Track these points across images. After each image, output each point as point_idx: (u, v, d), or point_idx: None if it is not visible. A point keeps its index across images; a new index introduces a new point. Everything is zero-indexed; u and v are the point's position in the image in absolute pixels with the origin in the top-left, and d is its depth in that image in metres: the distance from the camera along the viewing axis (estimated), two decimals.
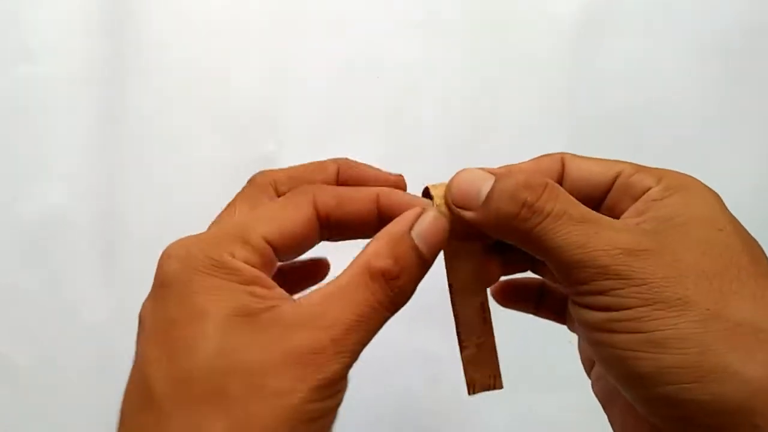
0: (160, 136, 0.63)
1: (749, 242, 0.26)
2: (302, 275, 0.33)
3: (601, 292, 0.24)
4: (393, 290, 0.25)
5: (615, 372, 0.24)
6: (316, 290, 0.25)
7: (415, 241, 0.26)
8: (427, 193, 0.29)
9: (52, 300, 0.62)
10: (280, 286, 0.26)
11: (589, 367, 0.34)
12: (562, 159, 0.30)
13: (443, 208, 0.28)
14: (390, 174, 0.31)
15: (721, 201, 0.27)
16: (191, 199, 0.63)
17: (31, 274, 0.62)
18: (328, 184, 0.29)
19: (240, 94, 0.63)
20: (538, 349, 0.58)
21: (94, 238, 0.62)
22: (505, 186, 0.26)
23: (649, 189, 0.27)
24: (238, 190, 0.35)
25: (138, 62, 0.63)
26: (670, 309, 0.23)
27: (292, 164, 0.63)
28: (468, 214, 0.27)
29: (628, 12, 0.63)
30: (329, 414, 0.24)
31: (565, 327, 0.35)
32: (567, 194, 0.26)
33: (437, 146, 0.63)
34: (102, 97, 0.63)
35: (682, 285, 0.23)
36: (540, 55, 0.63)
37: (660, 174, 0.28)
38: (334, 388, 0.23)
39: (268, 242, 0.26)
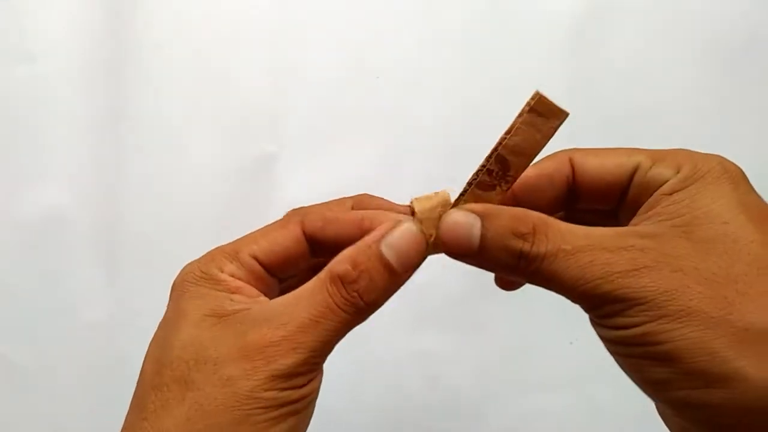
0: (160, 136, 0.63)
1: (764, 226, 0.25)
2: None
3: (612, 315, 0.25)
4: (350, 293, 0.26)
5: (636, 378, 0.26)
6: (288, 293, 0.27)
7: (383, 250, 0.27)
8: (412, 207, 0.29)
9: (52, 300, 0.62)
10: None
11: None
12: (570, 159, 0.29)
13: (425, 225, 0.28)
14: (400, 206, 0.32)
15: (739, 183, 0.26)
16: (191, 199, 0.63)
17: (31, 274, 0.62)
18: (354, 228, 0.30)
19: (240, 95, 0.63)
20: (538, 349, 0.58)
21: (94, 238, 0.62)
22: (496, 234, 0.26)
23: (665, 182, 0.26)
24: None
25: (138, 62, 0.63)
26: (675, 321, 0.23)
27: (292, 165, 0.63)
28: (468, 261, 0.27)
29: (628, 11, 0.63)
30: (288, 405, 0.26)
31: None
32: (556, 225, 0.26)
33: (437, 146, 0.63)
34: (102, 97, 0.63)
35: (684, 295, 0.23)
36: (540, 54, 0.63)
37: (680, 161, 0.27)
38: (289, 380, 0.26)
39: (256, 258, 0.29)
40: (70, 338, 0.61)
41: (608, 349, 0.26)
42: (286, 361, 0.25)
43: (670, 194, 0.26)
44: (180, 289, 0.29)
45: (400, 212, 0.30)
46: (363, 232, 0.29)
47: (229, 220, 0.63)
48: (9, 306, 0.61)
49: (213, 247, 0.30)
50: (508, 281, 0.33)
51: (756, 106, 0.63)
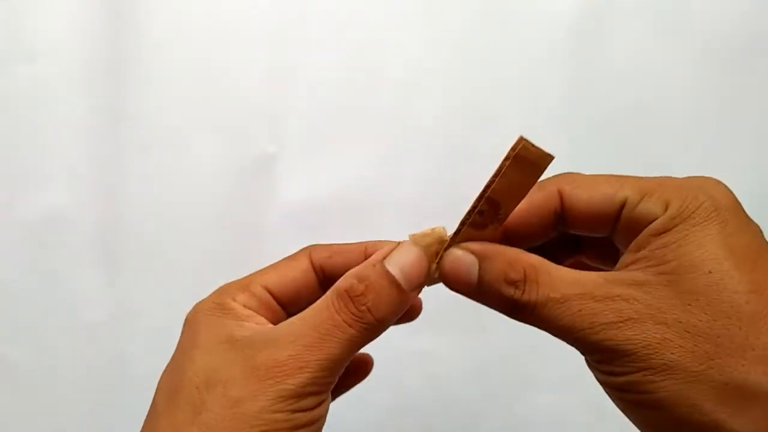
0: (160, 136, 0.63)
1: (749, 274, 0.24)
2: (347, 373, 0.37)
3: (603, 362, 0.26)
4: (359, 308, 0.26)
5: (630, 417, 0.27)
6: (295, 316, 0.28)
7: (388, 267, 0.27)
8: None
9: (52, 300, 0.62)
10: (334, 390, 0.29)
11: None
12: (558, 191, 0.28)
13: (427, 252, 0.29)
14: None
15: (728, 221, 0.25)
16: (191, 199, 0.63)
17: (31, 274, 0.62)
18: (359, 258, 0.31)
19: (240, 95, 0.63)
20: (538, 349, 0.58)
21: (94, 238, 0.62)
22: (491, 278, 0.27)
23: (653, 218, 0.26)
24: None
25: (138, 62, 0.63)
26: (658, 374, 0.24)
27: (292, 165, 0.63)
28: (470, 297, 0.28)
29: (628, 11, 0.63)
30: (298, 429, 0.26)
31: None
32: (547, 271, 0.26)
33: (437, 146, 0.63)
34: (102, 97, 0.63)
35: (667, 349, 0.24)
36: (540, 54, 0.63)
37: (668, 196, 0.26)
38: (298, 402, 0.26)
39: (267, 289, 0.30)
40: (70, 338, 0.61)
41: (605, 391, 0.27)
42: (294, 380, 0.26)
43: (658, 236, 0.25)
44: (192, 320, 0.29)
45: None
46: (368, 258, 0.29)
47: (229, 220, 0.63)
48: (9, 306, 0.61)
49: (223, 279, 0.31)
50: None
51: (756, 106, 0.63)
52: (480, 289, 0.27)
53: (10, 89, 0.62)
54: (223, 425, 0.25)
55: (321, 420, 0.27)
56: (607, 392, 0.27)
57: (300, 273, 0.30)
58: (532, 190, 0.28)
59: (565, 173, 0.29)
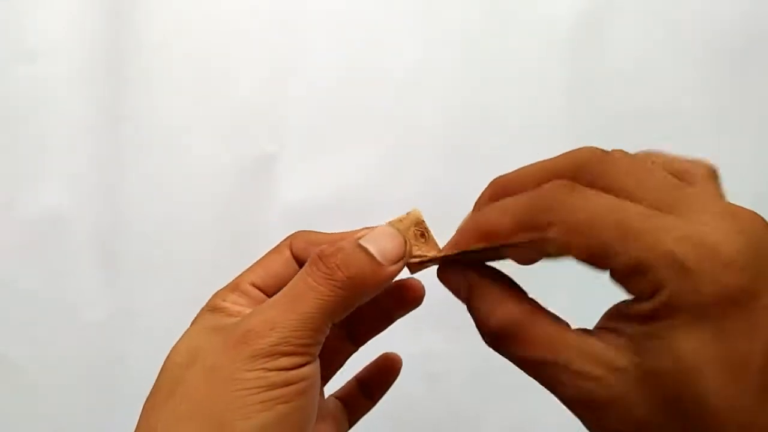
0: (161, 136, 0.63)
1: (746, 388, 0.21)
2: (378, 373, 0.40)
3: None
4: (328, 265, 0.27)
5: None
6: None
7: (360, 242, 0.28)
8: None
9: (52, 300, 0.62)
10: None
11: None
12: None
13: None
14: None
15: (723, 321, 0.21)
16: (191, 199, 0.63)
17: (31, 274, 0.62)
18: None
19: (240, 95, 0.63)
20: None
21: (94, 238, 0.62)
22: (475, 317, 0.28)
23: (640, 297, 0.22)
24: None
25: (138, 62, 0.63)
26: None
27: (292, 165, 0.63)
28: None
29: (628, 11, 0.63)
30: (275, 389, 0.26)
31: None
32: (529, 327, 0.25)
33: (437, 146, 0.63)
34: (102, 97, 0.63)
35: None
36: (540, 55, 0.64)
37: (661, 278, 0.21)
38: (275, 361, 0.26)
39: (255, 285, 0.31)
40: (70, 338, 0.61)
41: None
42: (264, 340, 0.26)
43: (642, 323, 0.22)
44: (192, 322, 0.31)
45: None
46: None
47: (229, 220, 0.63)
48: (9, 306, 0.61)
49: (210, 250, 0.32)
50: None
51: (756, 106, 0.63)
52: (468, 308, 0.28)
53: (10, 89, 0.62)
54: (199, 392, 0.26)
55: (303, 383, 0.26)
56: None
57: (281, 264, 0.31)
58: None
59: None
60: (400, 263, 0.28)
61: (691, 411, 0.21)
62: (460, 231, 0.27)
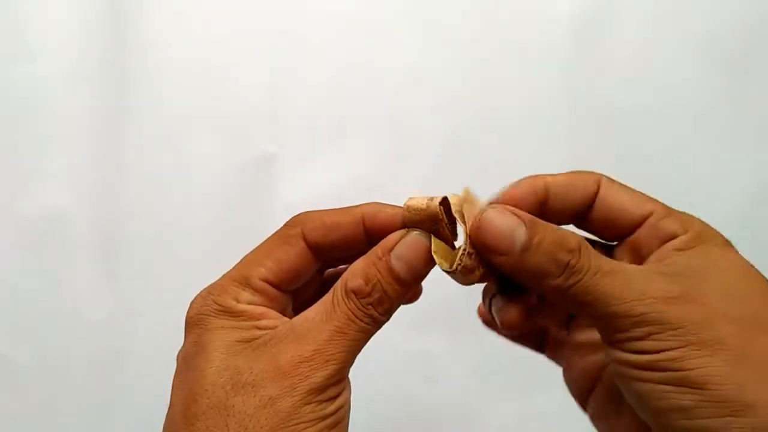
0: (160, 136, 0.63)
1: (764, 287, 0.27)
2: None
3: (640, 338, 0.26)
4: (366, 306, 0.28)
5: (651, 406, 0.26)
6: (307, 310, 0.28)
7: (393, 262, 0.28)
8: (446, 202, 0.29)
9: (52, 300, 0.62)
10: None
11: (581, 393, 0.35)
12: (598, 182, 0.30)
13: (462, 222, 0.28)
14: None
15: (739, 255, 0.28)
16: (191, 199, 0.63)
17: (31, 274, 0.62)
18: (356, 230, 0.31)
19: (240, 95, 0.63)
20: None
21: (94, 238, 0.62)
22: (544, 243, 0.27)
23: (675, 236, 0.28)
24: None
25: (138, 62, 0.63)
26: (706, 349, 0.25)
27: (292, 165, 0.63)
28: (499, 259, 0.28)
29: (628, 11, 0.63)
30: (327, 418, 0.27)
31: None
32: (593, 249, 0.27)
33: (437, 146, 0.63)
34: (102, 97, 0.63)
35: (714, 328, 0.25)
36: (540, 54, 0.64)
37: (688, 223, 0.28)
38: (326, 393, 0.27)
39: (268, 282, 0.29)
40: (70, 338, 0.61)
41: (622, 374, 0.27)
42: (322, 373, 0.26)
43: (682, 250, 0.28)
44: (198, 323, 0.29)
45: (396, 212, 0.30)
46: (367, 232, 0.30)
47: (229, 220, 0.63)
48: (9, 306, 0.61)
49: (221, 275, 0.30)
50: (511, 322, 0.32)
51: (756, 106, 0.63)
52: (525, 252, 0.27)
53: (10, 89, 0.62)
54: (258, 426, 0.25)
55: (346, 406, 0.28)
56: (628, 375, 0.27)
57: (297, 257, 0.30)
58: (575, 172, 0.29)
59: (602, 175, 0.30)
60: (423, 278, 0.29)
61: (735, 293, 0.26)
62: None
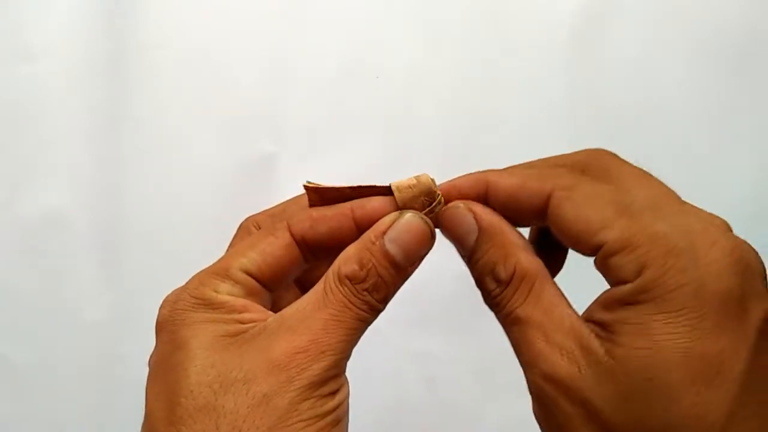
0: (160, 136, 0.63)
1: (696, 395, 0.21)
2: None
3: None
4: (361, 293, 0.26)
5: None
6: (297, 300, 0.26)
7: (387, 246, 0.26)
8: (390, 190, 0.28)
9: (52, 300, 0.62)
10: None
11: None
12: (548, 194, 0.26)
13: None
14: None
15: (706, 315, 0.21)
16: (191, 199, 0.63)
17: (31, 274, 0.62)
18: (345, 222, 0.28)
19: (240, 95, 0.63)
20: None
21: (94, 238, 0.62)
22: (479, 261, 0.26)
23: (624, 281, 0.23)
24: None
25: (138, 62, 0.63)
26: None
27: (292, 165, 0.63)
28: (461, 252, 0.27)
29: (628, 11, 0.63)
30: (327, 415, 0.24)
31: None
32: (539, 284, 0.25)
33: (437, 146, 0.63)
34: (102, 96, 0.63)
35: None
36: (540, 54, 0.63)
37: (648, 256, 0.22)
38: (325, 387, 0.24)
39: (249, 274, 0.27)
40: (70, 338, 0.61)
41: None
42: (320, 364, 0.24)
43: (622, 306, 0.23)
44: (173, 320, 0.26)
45: (381, 193, 0.28)
46: (357, 222, 0.28)
47: (229, 220, 0.62)
48: (9, 306, 0.61)
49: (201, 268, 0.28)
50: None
51: (755, 106, 0.63)
52: (469, 260, 0.27)
53: (10, 89, 0.62)
54: (254, 426, 0.23)
55: (345, 401, 0.26)
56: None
57: (281, 249, 0.27)
58: (524, 182, 0.27)
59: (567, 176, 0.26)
60: (421, 261, 0.27)
61: (656, 409, 0.21)
62: (463, 179, 0.28)
